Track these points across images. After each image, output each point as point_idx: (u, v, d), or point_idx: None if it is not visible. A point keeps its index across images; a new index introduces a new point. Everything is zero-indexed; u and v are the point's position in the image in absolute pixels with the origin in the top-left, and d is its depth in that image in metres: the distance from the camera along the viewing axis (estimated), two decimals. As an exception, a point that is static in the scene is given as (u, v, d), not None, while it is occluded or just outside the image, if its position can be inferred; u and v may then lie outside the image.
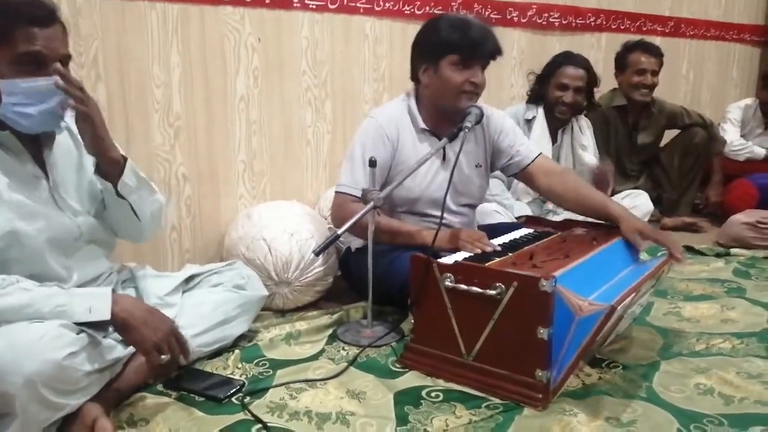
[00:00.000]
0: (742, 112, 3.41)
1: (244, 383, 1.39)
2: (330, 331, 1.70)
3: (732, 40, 3.99)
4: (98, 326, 1.19)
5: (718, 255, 2.52)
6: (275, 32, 2.25)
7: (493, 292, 1.34)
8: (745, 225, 2.65)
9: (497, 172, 2.48)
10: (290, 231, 1.85)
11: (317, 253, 1.48)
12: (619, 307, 1.27)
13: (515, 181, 2.53)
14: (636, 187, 2.89)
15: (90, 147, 1.29)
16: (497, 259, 1.50)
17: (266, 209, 1.99)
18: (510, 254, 1.55)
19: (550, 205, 2.54)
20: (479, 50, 1.73)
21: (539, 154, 1.93)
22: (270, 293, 1.73)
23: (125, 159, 1.34)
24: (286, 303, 1.86)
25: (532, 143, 2.01)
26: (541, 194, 1.98)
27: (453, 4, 2.77)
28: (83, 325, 1.16)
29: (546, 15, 3.10)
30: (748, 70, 4.02)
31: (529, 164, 1.91)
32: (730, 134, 3.30)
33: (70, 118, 1.32)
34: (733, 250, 2.57)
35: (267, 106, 2.25)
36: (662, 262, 1.58)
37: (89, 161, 1.36)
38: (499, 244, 1.64)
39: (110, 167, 1.31)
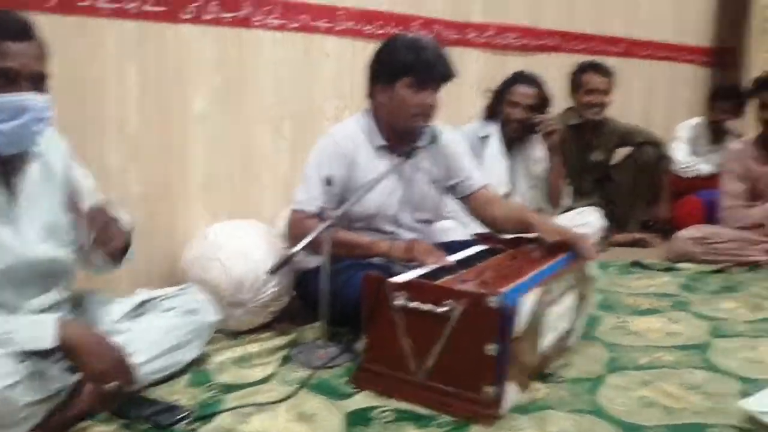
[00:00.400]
0: (692, 131, 3.56)
1: (190, 410, 1.36)
2: (283, 352, 1.70)
3: (682, 61, 4.16)
4: (45, 354, 1.17)
5: (666, 270, 2.62)
6: (236, 50, 2.26)
7: (443, 309, 1.37)
8: (691, 240, 2.75)
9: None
10: (245, 250, 1.85)
11: (271, 273, 1.50)
12: (525, 301, 1.31)
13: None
14: (589, 204, 2.97)
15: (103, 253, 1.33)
16: (449, 277, 1.54)
17: (222, 229, 1.98)
18: (462, 271, 1.60)
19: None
20: (433, 73, 1.78)
21: (486, 184, 1.99)
22: (223, 315, 1.72)
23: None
24: (239, 325, 1.84)
25: (480, 172, 2.06)
26: (482, 222, 2.02)
27: (413, 24, 2.82)
28: (30, 353, 1.15)
29: (504, 36, 3.19)
30: (698, 90, 4.19)
31: (475, 191, 1.97)
32: (680, 152, 3.44)
33: (43, 140, 1.30)
34: (680, 265, 2.66)
35: (226, 125, 2.25)
36: (573, 261, 1.66)
37: (58, 198, 1.36)
38: (454, 261, 1.68)
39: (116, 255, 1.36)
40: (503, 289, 1.40)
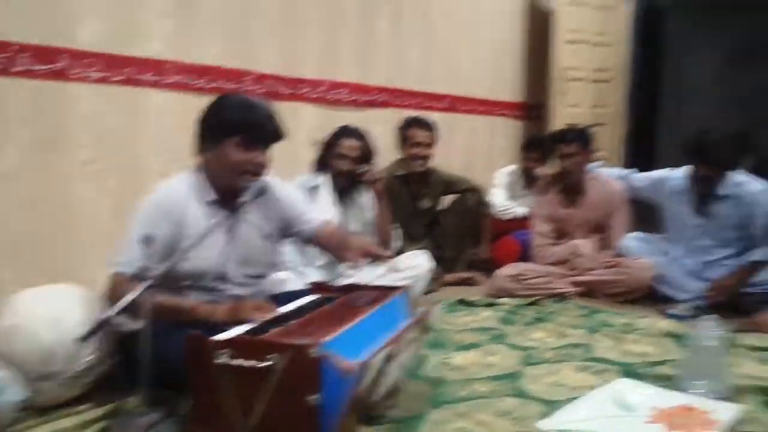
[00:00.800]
0: (507, 178, 3.95)
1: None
2: (101, 425, 1.59)
3: (499, 114, 4.64)
4: None
5: (487, 305, 2.85)
6: (51, 104, 2.16)
7: (266, 363, 1.39)
8: (509, 277, 3.03)
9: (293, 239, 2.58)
10: (57, 317, 1.72)
11: (82, 340, 1.42)
12: (374, 362, 1.39)
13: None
14: (421, 248, 3.15)
15: None
16: (276, 330, 1.57)
17: (32, 296, 1.83)
18: (290, 322, 1.63)
19: (341, 268, 2.70)
20: (261, 133, 1.82)
21: (323, 222, 2.06)
22: (32, 391, 1.58)
23: None
24: (51, 399, 1.70)
25: (317, 211, 2.14)
26: (330, 255, 2.12)
27: (245, 79, 2.88)
28: None
29: (337, 91, 3.35)
30: (513, 140, 4.67)
31: (316, 232, 2.03)
32: (498, 197, 3.80)
33: None
34: (500, 300, 2.91)
35: (40, 182, 2.12)
36: (414, 320, 1.77)
37: None
38: (282, 313, 1.71)
39: None
40: (326, 339, 1.45)
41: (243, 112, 1.80)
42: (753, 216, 2.78)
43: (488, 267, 3.37)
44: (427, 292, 2.98)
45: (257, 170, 1.83)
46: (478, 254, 3.57)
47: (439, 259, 3.21)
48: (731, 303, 2.76)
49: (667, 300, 2.88)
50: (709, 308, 2.63)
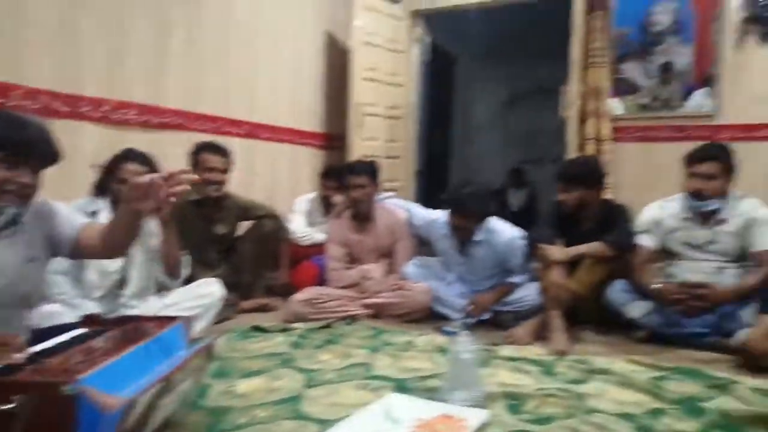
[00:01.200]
0: (308, 204, 4.08)
1: None
2: None
3: (301, 143, 4.75)
4: None
5: (281, 330, 2.89)
6: None
7: (9, 406, 1.28)
8: (303, 302, 3.11)
9: (64, 269, 2.40)
10: None
11: None
12: (143, 399, 1.36)
13: (84, 276, 2.48)
14: (216, 275, 3.10)
15: None
16: (29, 368, 1.44)
17: None
18: (49, 359, 1.51)
19: (124, 299, 2.56)
20: (28, 151, 1.70)
21: (86, 222, 1.93)
22: None
23: None
24: None
25: (80, 219, 1.97)
26: (99, 255, 1.94)
27: (12, 93, 2.62)
28: None
29: (123, 111, 3.18)
30: (314, 168, 4.81)
31: (78, 235, 1.88)
32: (296, 223, 3.90)
33: None
34: (294, 325, 2.97)
35: None
36: (193, 353, 1.73)
37: None
38: (42, 350, 1.58)
39: None
40: (84, 374, 1.38)
41: (8, 129, 1.67)
42: (507, 260, 3.20)
43: (287, 292, 3.41)
44: (221, 320, 2.93)
45: (21, 190, 1.71)
46: (276, 280, 3.61)
47: (236, 285, 3.19)
48: (493, 320, 3.14)
49: (444, 319, 3.17)
50: (475, 325, 2.96)
